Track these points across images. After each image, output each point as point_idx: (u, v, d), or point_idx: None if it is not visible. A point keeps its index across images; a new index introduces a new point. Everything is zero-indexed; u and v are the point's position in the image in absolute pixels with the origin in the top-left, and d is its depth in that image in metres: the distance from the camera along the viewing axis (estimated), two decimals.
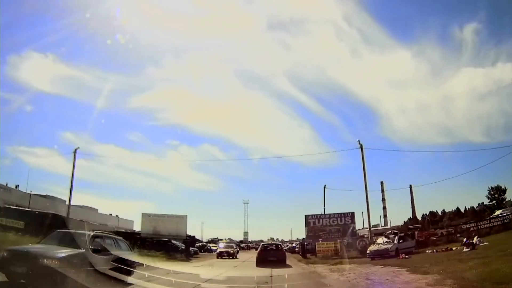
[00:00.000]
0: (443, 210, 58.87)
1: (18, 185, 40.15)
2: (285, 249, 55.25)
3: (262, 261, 19.93)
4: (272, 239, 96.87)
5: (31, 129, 72.19)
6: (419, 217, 46.08)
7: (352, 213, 30.60)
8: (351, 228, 29.98)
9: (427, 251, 23.38)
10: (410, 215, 40.65)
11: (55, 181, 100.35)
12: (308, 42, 74.71)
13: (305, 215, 30.46)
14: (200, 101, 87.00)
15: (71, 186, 30.98)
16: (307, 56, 78.88)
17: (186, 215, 32.33)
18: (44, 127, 78.51)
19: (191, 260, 27.66)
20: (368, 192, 31.78)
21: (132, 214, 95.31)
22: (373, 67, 72.36)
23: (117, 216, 55.32)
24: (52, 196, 41.05)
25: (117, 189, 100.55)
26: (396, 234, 26.37)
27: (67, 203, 32.46)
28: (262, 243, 27.97)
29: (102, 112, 71.73)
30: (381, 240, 25.62)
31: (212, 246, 46.23)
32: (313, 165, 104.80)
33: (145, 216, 33.33)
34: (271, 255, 21.04)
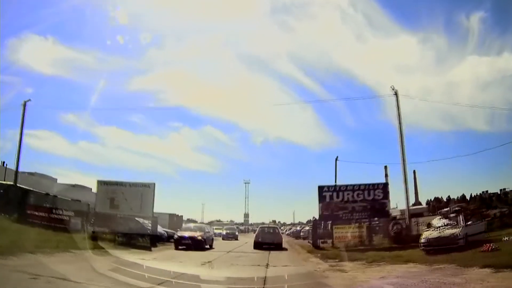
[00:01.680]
0: (448, 196, 55.26)
1: (4, 162, 36.01)
2: (287, 233, 48.29)
3: (259, 244, 21.18)
4: (274, 222, 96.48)
5: (32, 112, 69.47)
6: (423, 203, 43.83)
7: (385, 185, 21.55)
8: (383, 205, 21.00)
9: (504, 239, 14.33)
10: (412, 201, 36.86)
11: (57, 163, 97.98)
12: (312, 26, 73.37)
13: (319, 186, 21.39)
14: (202, 84, 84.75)
15: (19, 149, 27.49)
16: (311, 40, 77.14)
17: (154, 184, 23.43)
18: (45, 109, 77.44)
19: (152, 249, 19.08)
20: (404, 154, 22.83)
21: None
22: (378, 52, 71.22)
23: None
24: (42, 174, 39.53)
25: (119, 171, 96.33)
26: (458, 212, 17.47)
27: (58, 181, 33.09)
28: (260, 226, 28.19)
29: (103, 94, 70.18)
30: (438, 221, 16.74)
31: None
32: (316, 149, 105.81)
33: (100, 185, 24.57)
34: (267, 238, 22.06)
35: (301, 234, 36.45)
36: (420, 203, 38.79)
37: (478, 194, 52.16)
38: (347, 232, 20.22)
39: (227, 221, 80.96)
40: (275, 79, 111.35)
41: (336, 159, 33.23)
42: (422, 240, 14.76)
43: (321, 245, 19.93)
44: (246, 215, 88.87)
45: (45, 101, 73.86)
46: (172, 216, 44.72)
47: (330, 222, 21.10)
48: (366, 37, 76.05)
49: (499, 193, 46.91)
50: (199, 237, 18.74)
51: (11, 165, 33.59)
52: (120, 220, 22.74)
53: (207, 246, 20.04)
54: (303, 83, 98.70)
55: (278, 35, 75.00)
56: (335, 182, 31.95)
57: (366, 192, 21.05)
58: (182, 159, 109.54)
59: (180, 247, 19.25)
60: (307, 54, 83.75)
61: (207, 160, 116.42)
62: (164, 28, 78.29)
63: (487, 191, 49.94)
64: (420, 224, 20.28)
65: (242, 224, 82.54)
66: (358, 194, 21.01)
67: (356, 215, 20.83)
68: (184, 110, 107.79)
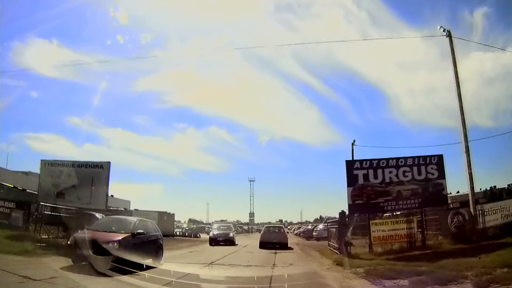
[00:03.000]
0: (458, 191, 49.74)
1: None
2: (295, 233, 41.42)
3: (264, 243, 19.87)
4: (280, 221, 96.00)
5: (37, 115, 71.67)
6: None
7: (440, 158, 14.40)
8: (439, 188, 13.99)
9: None
10: None
11: None
12: (316, 24, 72.19)
13: (348, 162, 14.05)
14: (207, 84, 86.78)
15: None
16: (315, 39, 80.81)
17: (109, 163, 16.60)
18: (50, 112, 77.05)
19: None
20: (464, 115, 15.96)
21: (140, 197, 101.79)
22: (382, 49, 73.97)
23: (112, 195, 48.55)
24: (36, 173, 34.83)
25: (125, 172, 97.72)
26: None
27: None
28: (265, 226, 27.45)
29: (109, 96, 72.40)
30: None
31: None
32: (322, 147, 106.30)
33: (44, 166, 18.03)
34: (273, 237, 20.89)
35: (314, 234, 29.38)
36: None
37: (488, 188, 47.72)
38: (391, 230, 13.24)
39: (233, 221, 77.50)
40: (279, 78, 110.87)
41: (352, 144, 27.29)
42: None
43: (352, 249, 12.93)
44: (251, 214, 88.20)
45: (50, 104, 75.31)
46: (162, 214, 38.26)
47: (364, 215, 14.11)
48: (370, 35, 74.05)
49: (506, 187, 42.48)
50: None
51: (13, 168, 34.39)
52: (77, 216, 16.62)
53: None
54: (307, 81, 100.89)
55: (282, 34, 73.70)
56: None
57: (415, 169, 13.95)
58: (187, 159, 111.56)
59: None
60: (311, 53, 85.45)
61: (212, 160, 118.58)
62: (167, 29, 77.96)
63: (495, 186, 47.32)
64: (487, 213, 14.10)
65: (247, 223, 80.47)
66: (405, 173, 13.91)
67: (403, 204, 13.79)
68: (189, 110, 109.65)
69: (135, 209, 40.06)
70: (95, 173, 16.50)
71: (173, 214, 42.83)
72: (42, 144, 73.18)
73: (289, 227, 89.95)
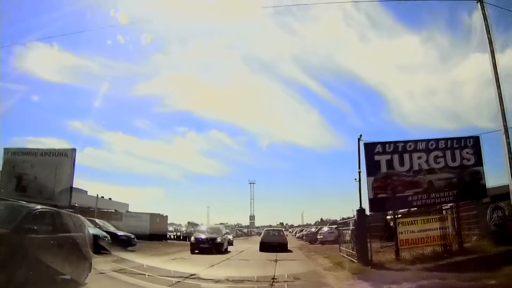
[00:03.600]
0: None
1: None
2: (297, 236, 38.55)
3: (265, 245, 19.49)
4: (281, 224, 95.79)
5: (38, 119, 67.96)
6: None
7: (476, 140, 11.60)
8: (476, 177, 11.22)
9: None
10: None
11: None
12: (316, 28, 70.24)
13: (366, 144, 11.18)
14: (207, 87, 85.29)
15: None
16: (314, 42, 75.18)
17: (74, 150, 13.94)
18: (51, 116, 75.14)
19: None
20: (501, 90, 13.05)
21: (141, 201, 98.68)
22: (381, 52, 69.56)
23: (110, 198, 48.21)
24: None
25: (125, 176, 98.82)
26: None
27: None
28: (265, 228, 27.97)
29: (109, 100, 71.55)
30: None
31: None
32: (322, 150, 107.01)
33: (7, 155, 15.30)
34: (273, 239, 20.33)
35: (319, 237, 26.49)
36: None
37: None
38: (422, 231, 10.46)
39: (234, 224, 74.64)
40: (279, 82, 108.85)
41: (359, 139, 24.51)
42: None
43: (373, 257, 10.10)
44: (252, 217, 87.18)
45: (51, 107, 73.13)
46: (154, 216, 35.50)
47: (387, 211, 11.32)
48: (369, 37, 73.27)
49: None
50: None
51: None
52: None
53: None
54: (307, 85, 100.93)
55: (281, 38, 72.83)
56: (359, 167, 24.27)
57: (449, 154, 11.20)
58: (188, 163, 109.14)
59: None
60: (310, 56, 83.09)
61: (213, 164, 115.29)
62: (168, 33, 76.32)
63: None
64: None
65: (247, 226, 78.81)
66: (436, 158, 11.13)
67: (435, 197, 10.98)
68: (190, 114, 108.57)
69: (126, 211, 37.79)
70: (59, 163, 13.79)
71: (166, 217, 39.89)
72: (42, 147, 71.95)
73: (290, 230, 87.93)
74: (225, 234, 19.50)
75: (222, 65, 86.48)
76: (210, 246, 16.03)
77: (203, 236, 17.14)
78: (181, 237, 38.62)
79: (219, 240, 17.03)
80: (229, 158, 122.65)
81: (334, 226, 27.32)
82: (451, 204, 11.50)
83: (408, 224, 10.52)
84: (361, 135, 24.93)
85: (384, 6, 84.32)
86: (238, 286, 7.53)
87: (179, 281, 7.34)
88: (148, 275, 7.69)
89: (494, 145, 12.12)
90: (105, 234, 14.88)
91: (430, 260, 9.65)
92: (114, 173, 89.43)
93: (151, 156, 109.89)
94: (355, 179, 24.78)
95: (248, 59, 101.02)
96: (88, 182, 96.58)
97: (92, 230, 14.58)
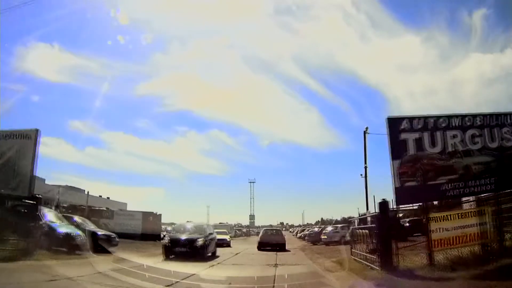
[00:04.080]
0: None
1: None
2: (299, 236, 36.56)
3: (263, 244, 20.02)
4: (281, 223, 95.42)
5: (39, 119, 69.89)
6: None
7: None
8: None
9: None
10: None
11: (65, 169, 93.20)
12: (315, 27, 73.79)
13: (390, 119, 8.88)
14: (208, 87, 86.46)
15: None
16: (314, 41, 78.59)
17: (36, 131, 11.54)
18: (52, 116, 76.20)
19: None
20: None
21: (141, 200, 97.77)
22: (382, 52, 72.17)
23: (108, 197, 48.31)
24: (37, 176, 33.59)
25: (126, 175, 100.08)
26: None
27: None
28: (264, 228, 27.25)
29: (110, 100, 73.70)
30: None
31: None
32: (323, 150, 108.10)
33: None
34: (272, 239, 20.93)
35: (323, 237, 24.30)
36: None
37: None
38: (457, 228, 8.28)
39: (234, 224, 75.06)
40: (279, 81, 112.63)
41: (365, 132, 22.95)
42: None
43: (400, 263, 7.92)
44: (252, 217, 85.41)
45: (51, 107, 74.07)
46: (146, 215, 33.38)
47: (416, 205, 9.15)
48: (369, 37, 74.72)
49: None
50: None
51: None
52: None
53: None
54: (307, 84, 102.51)
55: (282, 37, 74.83)
56: (365, 162, 22.67)
57: (487, 133, 9.05)
58: (188, 163, 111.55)
59: None
60: (311, 56, 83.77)
61: (214, 163, 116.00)
62: (168, 33, 77.46)
63: None
64: None
65: (247, 226, 77.36)
66: (473, 137, 8.97)
67: (473, 186, 8.83)
68: (190, 114, 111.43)
69: (119, 209, 35.87)
70: (20, 146, 11.63)
71: (160, 215, 37.48)
72: (44, 147, 71.94)
73: (290, 229, 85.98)
74: (210, 234, 15.37)
75: (223, 64, 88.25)
76: (188, 251, 12.65)
77: (180, 237, 13.55)
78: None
79: (200, 242, 13.05)
80: (229, 158, 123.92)
81: (339, 226, 25.17)
82: (488, 194, 9.38)
83: (441, 220, 8.33)
84: (367, 128, 22.85)
85: (384, 6, 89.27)
86: None
87: None
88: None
89: None
90: (78, 232, 12.80)
91: (472, 264, 7.51)
92: (114, 172, 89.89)
93: (152, 156, 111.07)
94: (361, 174, 22.79)
95: (249, 58, 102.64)
96: (89, 182, 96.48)
97: (64, 228, 12.71)
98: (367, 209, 21.86)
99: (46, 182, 33.76)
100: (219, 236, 19.11)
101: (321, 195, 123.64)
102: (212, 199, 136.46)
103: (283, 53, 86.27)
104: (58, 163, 70.72)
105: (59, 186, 37.66)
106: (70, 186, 42.24)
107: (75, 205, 30.34)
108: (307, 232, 32.14)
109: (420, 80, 70.80)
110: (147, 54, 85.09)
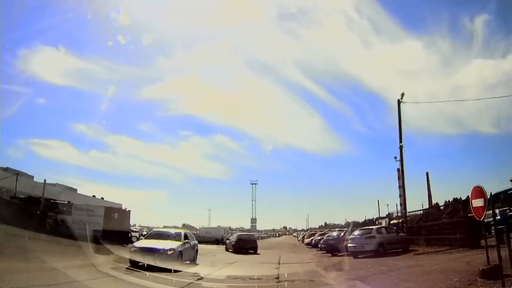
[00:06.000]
0: (468, 197, 43.24)
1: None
2: (306, 242, 31.20)
3: (237, 249, 21.91)
4: (284, 228, 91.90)
5: (43, 122, 72.52)
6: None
7: None
8: None
9: None
10: (423, 203, 37.78)
11: (69, 172, 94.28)
12: (318, 32, 74.65)
13: None
14: (211, 92, 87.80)
15: None
16: (317, 46, 79.48)
17: None
18: (56, 119, 79.55)
19: None
20: None
21: (144, 204, 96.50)
22: (384, 57, 72.12)
23: (102, 198, 46.29)
24: (25, 173, 35.72)
25: (129, 179, 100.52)
26: None
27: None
28: (238, 234, 27.88)
29: (114, 104, 72.96)
30: None
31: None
32: (326, 155, 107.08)
33: None
34: (245, 243, 22.87)
35: (349, 245, 15.79)
36: (433, 206, 34.46)
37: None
38: None
39: (237, 228, 76.27)
40: (282, 86, 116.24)
41: (399, 101, 21.63)
42: None
43: None
44: (253, 220, 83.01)
45: (56, 110, 76.76)
46: (109, 210, 25.51)
47: None
48: (372, 42, 76.63)
49: None
50: None
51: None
52: None
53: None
54: (310, 89, 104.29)
55: (285, 42, 75.87)
56: (400, 139, 21.58)
57: None
58: (192, 166, 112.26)
59: None
60: (313, 61, 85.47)
61: (217, 167, 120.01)
62: (172, 38, 76.60)
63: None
64: None
65: (248, 230, 75.97)
66: None
67: None
68: (194, 118, 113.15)
69: (82, 204, 28.77)
70: None
71: (129, 212, 29.54)
72: (48, 150, 76.87)
73: (294, 234, 78.25)
74: (188, 242, 13.01)
75: (226, 69, 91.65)
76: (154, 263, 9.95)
77: (146, 245, 11.54)
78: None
79: (169, 252, 11.02)
80: (232, 162, 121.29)
81: (375, 227, 16.77)
82: None
83: None
84: (403, 94, 21.45)
85: (386, 11, 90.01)
86: None
87: None
88: None
89: None
90: None
91: None
92: (118, 175, 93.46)
93: (155, 160, 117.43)
94: (395, 157, 21.81)
95: (252, 63, 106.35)
96: (93, 184, 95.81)
97: None
98: (403, 197, 21.09)
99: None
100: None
101: (324, 200, 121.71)
102: (215, 203, 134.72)
103: (286, 58, 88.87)
104: (61, 166, 74.22)
105: (55, 184, 37.48)
106: (63, 185, 41.02)
107: (33, 196, 26.62)
108: (319, 238, 23.53)
109: (422, 86, 70.57)
110: (151, 58, 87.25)
